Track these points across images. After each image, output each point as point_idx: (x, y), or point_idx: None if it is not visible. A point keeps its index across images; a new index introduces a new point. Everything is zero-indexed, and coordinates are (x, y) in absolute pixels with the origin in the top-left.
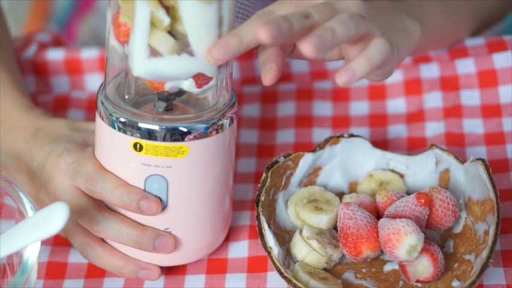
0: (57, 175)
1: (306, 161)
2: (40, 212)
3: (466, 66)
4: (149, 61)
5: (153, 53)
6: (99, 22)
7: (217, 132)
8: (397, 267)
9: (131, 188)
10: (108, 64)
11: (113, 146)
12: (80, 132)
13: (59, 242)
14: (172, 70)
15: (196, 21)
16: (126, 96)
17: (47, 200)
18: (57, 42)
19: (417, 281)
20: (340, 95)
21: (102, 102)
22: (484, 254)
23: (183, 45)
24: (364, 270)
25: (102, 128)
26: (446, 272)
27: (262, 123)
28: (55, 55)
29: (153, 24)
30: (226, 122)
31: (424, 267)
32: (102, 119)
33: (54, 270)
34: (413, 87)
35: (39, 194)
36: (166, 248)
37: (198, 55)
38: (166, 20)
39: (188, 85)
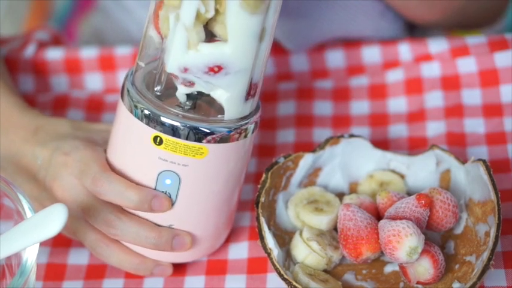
0: (64, 173)
1: (306, 161)
2: (39, 214)
3: (467, 65)
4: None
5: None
6: (100, 21)
7: (238, 138)
8: (397, 268)
9: (140, 188)
10: (141, 53)
11: (132, 136)
12: (84, 132)
13: (58, 243)
14: None
15: (239, 28)
16: (156, 88)
17: (48, 202)
18: (56, 41)
19: (418, 283)
20: (341, 95)
21: (128, 90)
22: (485, 255)
23: None
24: (364, 272)
25: (123, 115)
26: (447, 273)
27: (262, 123)
28: (54, 54)
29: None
30: (250, 127)
31: (424, 269)
32: (126, 106)
33: (53, 272)
34: (414, 86)
35: (41, 194)
36: (183, 246)
37: None
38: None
39: None
